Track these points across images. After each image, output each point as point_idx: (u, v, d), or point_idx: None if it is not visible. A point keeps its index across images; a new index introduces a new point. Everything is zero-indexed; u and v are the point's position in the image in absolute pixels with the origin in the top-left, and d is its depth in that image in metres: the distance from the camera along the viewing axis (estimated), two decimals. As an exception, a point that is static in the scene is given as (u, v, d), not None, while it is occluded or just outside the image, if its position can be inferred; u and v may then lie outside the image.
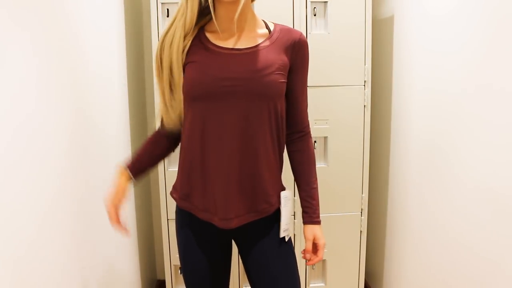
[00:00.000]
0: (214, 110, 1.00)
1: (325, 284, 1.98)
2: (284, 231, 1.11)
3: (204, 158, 1.04)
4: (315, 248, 1.14)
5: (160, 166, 1.80)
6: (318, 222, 1.14)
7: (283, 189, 1.14)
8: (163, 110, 1.07)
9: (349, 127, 1.86)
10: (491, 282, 1.15)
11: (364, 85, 1.83)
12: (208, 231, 1.10)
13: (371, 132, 1.88)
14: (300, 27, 1.77)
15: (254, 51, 1.02)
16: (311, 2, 1.77)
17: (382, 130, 1.97)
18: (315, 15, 1.79)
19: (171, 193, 1.16)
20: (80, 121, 1.15)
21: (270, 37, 1.05)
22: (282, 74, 1.03)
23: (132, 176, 1.13)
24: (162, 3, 1.71)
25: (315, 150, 1.87)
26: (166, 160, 1.79)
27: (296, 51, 1.06)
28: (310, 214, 1.13)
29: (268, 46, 1.03)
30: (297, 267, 1.15)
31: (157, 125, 1.15)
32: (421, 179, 1.56)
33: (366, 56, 1.81)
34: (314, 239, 1.13)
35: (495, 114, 1.11)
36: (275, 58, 1.02)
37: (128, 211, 1.67)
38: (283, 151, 1.13)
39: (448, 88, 1.35)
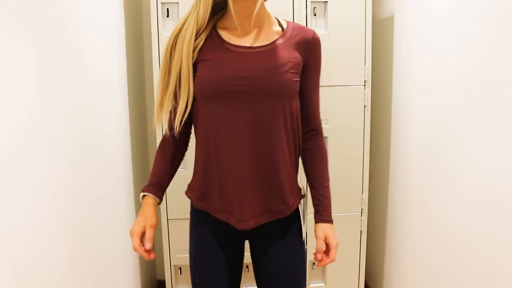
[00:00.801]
0: (227, 109, 0.99)
1: (325, 284, 1.98)
2: (303, 233, 1.13)
3: (218, 158, 1.02)
4: (327, 248, 1.11)
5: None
6: (330, 221, 1.11)
7: (300, 189, 1.14)
8: (158, 108, 1.03)
9: (349, 127, 1.86)
10: (491, 282, 1.15)
11: (364, 85, 1.83)
12: (224, 231, 1.09)
13: (371, 132, 1.88)
14: (300, 27, 1.77)
15: (268, 49, 1.01)
16: (311, 2, 1.77)
17: (382, 130, 1.97)
18: (315, 15, 1.79)
19: (186, 193, 1.15)
20: (80, 122, 1.15)
21: (284, 35, 1.04)
22: (296, 72, 1.02)
23: (158, 200, 1.08)
24: (162, 3, 1.71)
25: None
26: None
27: (309, 49, 1.05)
28: (321, 212, 1.11)
29: (282, 44, 1.02)
30: (304, 272, 1.14)
31: (164, 129, 1.10)
32: (421, 179, 1.56)
33: (366, 56, 1.81)
34: (325, 239, 1.09)
35: (495, 113, 1.11)
36: (289, 57, 1.01)
37: (128, 212, 1.66)
38: (299, 151, 1.11)
39: (448, 88, 1.35)
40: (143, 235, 1.01)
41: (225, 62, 1.00)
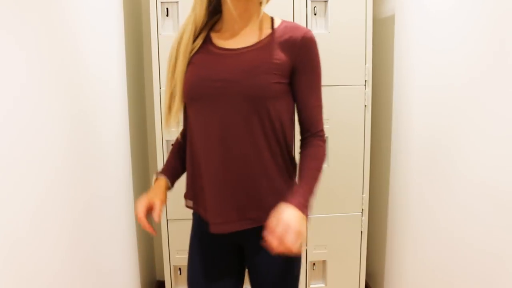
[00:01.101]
0: (204, 111, 0.99)
1: (326, 284, 1.98)
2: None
3: (198, 160, 1.03)
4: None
5: (160, 167, 1.79)
6: (295, 204, 0.91)
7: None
8: (167, 113, 1.05)
9: (350, 127, 1.85)
10: (493, 281, 1.14)
11: (365, 85, 1.83)
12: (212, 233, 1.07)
13: (372, 132, 1.88)
14: (300, 27, 1.76)
15: (248, 50, 0.99)
16: (312, 1, 1.76)
17: (382, 130, 1.97)
18: (315, 14, 1.79)
19: (184, 195, 1.16)
20: (79, 123, 1.15)
21: (271, 35, 1.00)
22: (277, 74, 0.97)
23: (169, 184, 1.10)
24: (161, 2, 1.70)
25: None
26: (165, 160, 1.79)
27: (298, 49, 0.99)
28: (291, 195, 0.96)
29: (265, 45, 0.99)
30: (294, 281, 1.10)
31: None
32: (422, 179, 1.55)
33: (366, 55, 1.80)
34: (279, 220, 0.88)
35: (498, 109, 1.10)
36: (271, 58, 0.97)
37: (128, 212, 1.66)
38: (289, 156, 1.06)
39: (449, 85, 1.34)
40: (149, 210, 1.03)
41: (206, 64, 1.00)
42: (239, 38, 1.01)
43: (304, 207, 0.93)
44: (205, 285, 1.10)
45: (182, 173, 1.16)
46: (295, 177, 1.09)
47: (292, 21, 1.72)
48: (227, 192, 1.00)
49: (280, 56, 0.98)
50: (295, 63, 1.00)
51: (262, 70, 0.96)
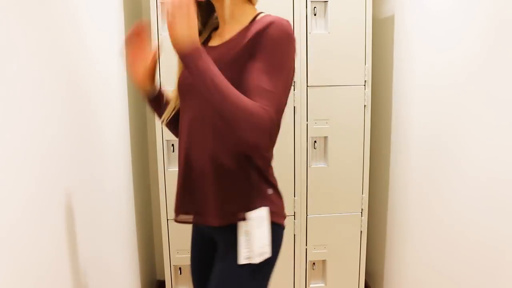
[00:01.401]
0: (183, 109, 1.05)
1: (325, 284, 1.98)
2: (246, 258, 0.98)
3: (179, 154, 1.09)
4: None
5: (160, 166, 1.79)
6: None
7: (253, 208, 0.98)
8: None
9: (349, 127, 1.85)
10: (493, 279, 1.14)
11: (365, 85, 1.83)
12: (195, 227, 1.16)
13: (371, 132, 1.88)
14: (300, 27, 1.76)
15: (218, 48, 1.01)
16: (311, 1, 1.77)
17: (382, 130, 1.97)
18: (315, 14, 1.79)
19: None
20: (79, 122, 1.15)
21: (243, 30, 0.97)
22: (234, 71, 0.91)
23: (156, 86, 1.13)
24: (161, 3, 1.70)
25: (314, 150, 1.87)
26: (165, 160, 1.79)
27: (259, 38, 0.90)
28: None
29: (232, 41, 0.97)
30: None
31: None
32: (422, 178, 1.56)
33: (366, 55, 1.81)
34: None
35: (497, 103, 1.10)
36: (230, 53, 0.94)
37: (128, 211, 1.66)
38: (256, 163, 0.99)
39: (448, 83, 1.34)
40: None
41: None
42: (221, 36, 1.04)
43: (192, 50, 0.83)
44: (195, 278, 1.18)
45: (169, 110, 1.11)
46: (269, 187, 1.03)
47: (291, 22, 1.74)
48: (189, 185, 1.04)
49: (243, 51, 0.93)
50: (252, 52, 0.91)
51: (219, 67, 0.89)
